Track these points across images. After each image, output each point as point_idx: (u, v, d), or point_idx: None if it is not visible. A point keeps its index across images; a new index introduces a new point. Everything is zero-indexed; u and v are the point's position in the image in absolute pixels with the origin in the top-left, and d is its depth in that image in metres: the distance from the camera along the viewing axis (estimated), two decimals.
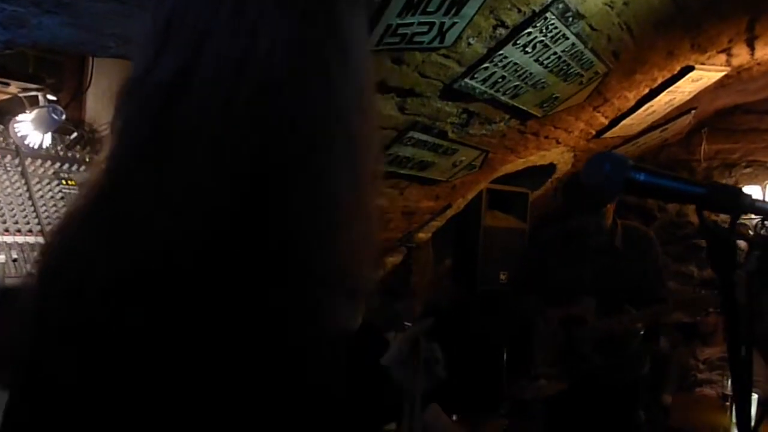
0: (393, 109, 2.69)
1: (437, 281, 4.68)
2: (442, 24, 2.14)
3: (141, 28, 0.67)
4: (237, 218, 0.58)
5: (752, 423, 0.98)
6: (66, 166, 2.23)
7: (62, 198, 2.11)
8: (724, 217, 0.87)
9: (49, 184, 2.14)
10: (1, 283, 1.79)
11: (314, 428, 0.61)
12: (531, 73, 2.80)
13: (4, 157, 2.07)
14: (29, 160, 2.13)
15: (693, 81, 3.92)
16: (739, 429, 0.94)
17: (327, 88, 0.63)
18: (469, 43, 2.38)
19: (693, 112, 4.84)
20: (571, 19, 2.50)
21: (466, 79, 2.61)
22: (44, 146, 2.13)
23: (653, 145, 5.44)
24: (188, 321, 0.54)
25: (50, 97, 2.13)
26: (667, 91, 3.90)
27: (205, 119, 0.59)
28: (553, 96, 3.18)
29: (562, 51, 2.72)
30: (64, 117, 2.11)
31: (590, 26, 2.65)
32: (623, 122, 4.20)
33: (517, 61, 2.63)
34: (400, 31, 2.08)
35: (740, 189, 0.89)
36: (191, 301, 0.55)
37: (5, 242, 1.89)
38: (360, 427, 1.02)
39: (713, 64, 3.81)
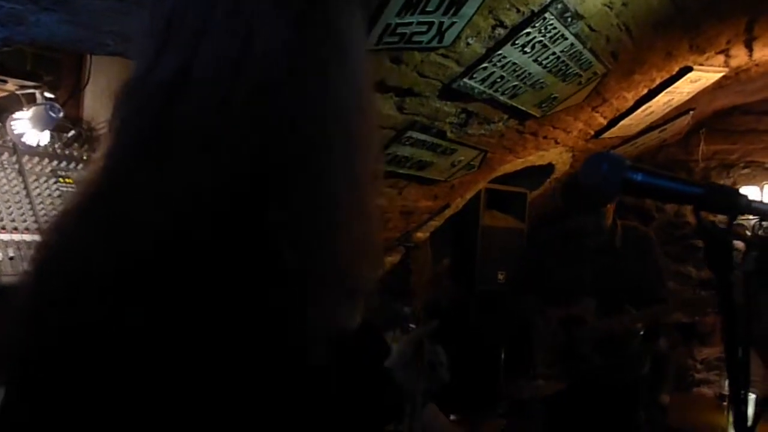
0: (392, 108, 2.69)
1: (435, 281, 4.68)
2: (441, 24, 2.14)
3: (140, 27, 0.67)
4: (234, 217, 0.58)
5: (749, 423, 0.98)
6: (64, 164, 2.23)
7: (60, 196, 2.11)
8: (722, 218, 0.87)
9: (46, 182, 2.13)
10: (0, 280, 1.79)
11: (313, 427, 0.61)
12: (530, 73, 2.80)
13: (1, 154, 2.07)
14: (26, 157, 2.13)
15: (691, 82, 3.92)
16: (736, 429, 0.94)
17: (325, 88, 0.63)
18: (468, 43, 2.38)
19: (691, 112, 4.84)
20: (569, 19, 2.50)
21: (465, 79, 2.61)
22: (42, 144, 2.12)
23: (652, 146, 5.44)
24: (186, 321, 0.54)
25: (48, 94, 2.13)
26: (665, 91, 3.90)
27: (203, 119, 0.59)
28: (552, 96, 3.18)
29: (561, 51, 2.72)
30: (61, 115, 2.11)
31: (589, 27, 2.65)
32: (622, 123, 4.20)
33: (516, 61, 2.63)
34: (399, 30, 2.08)
35: (737, 190, 0.89)
36: (189, 300, 0.54)
37: (2, 240, 1.89)
38: (360, 427, 1.02)
39: (712, 65, 3.81)
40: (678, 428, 3.45)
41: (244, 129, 0.59)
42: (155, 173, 0.59)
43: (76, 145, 2.31)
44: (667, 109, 4.40)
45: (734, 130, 5.41)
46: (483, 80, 2.68)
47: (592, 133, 4.28)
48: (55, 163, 2.20)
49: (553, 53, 2.70)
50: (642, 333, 3.17)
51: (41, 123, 2.06)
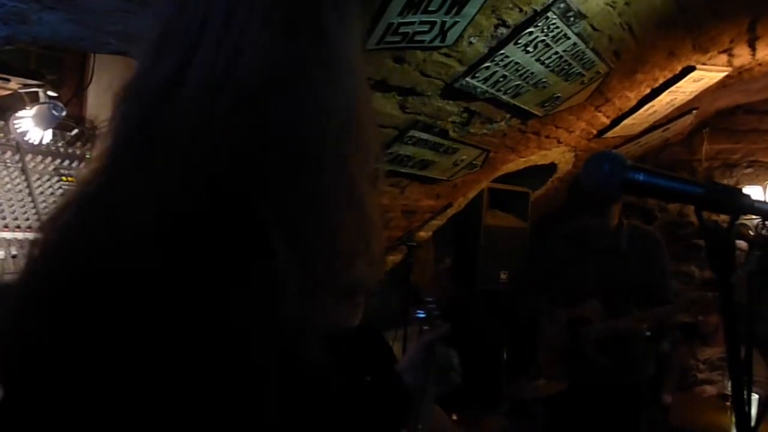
0: (394, 107, 2.69)
1: (437, 280, 4.68)
2: (444, 23, 2.14)
3: (143, 28, 0.69)
4: (222, 217, 0.58)
5: (752, 423, 0.98)
6: (66, 162, 2.23)
7: (62, 194, 2.12)
8: (725, 217, 0.87)
9: (49, 180, 2.14)
10: (0, 279, 1.80)
11: (310, 428, 0.61)
12: (532, 73, 2.80)
13: (4, 153, 2.07)
14: (29, 156, 2.14)
15: (694, 81, 3.91)
16: (738, 429, 0.94)
17: (315, 95, 0.65)
18: (471, 43, 2.38)
19: (694, 112, 4.84)
20: (572, 18, 2.49)
21: (468, 78, 2.61)
22: (45, 143, 2.13)
23: (654, 145, 5.43)
24: (177, 318, 0.55)
25: (51, 93, 2.13)
26: (668, 91, 3.90)
27: (190, 123, 0.61)
28: (555, 95, 3.18)
29: (564, 50, 2.71)
30: (64, 113, 2.11)
31: (592, 26, 2.64)
32: (624, 122, 4.20)
33: (519, 61, 2.63)
34: (402, 29, 2.08)
35: (739, 189, 0.89)
36: (180, 300, 0.55)
37: (5, 238, 1.90)
38: (364, 428, 1.02)
39: (715, 65, 3.80)
40: (679, 428, 3.44)
41: (230, 133, 0.61)
42: (146, 174, 0.60)
43: (78, 143, 2.32)
44: (670, 109, 4.40)
45: (737, 130, 5.40)
46: (485, 79, 2.68)
47: (595, 132, 4.28)
48: (57, 161, 2.21)
49: (556, 53, 2.70)
50: (648, 334, 3.17)
51: (44, 121, 2.07)
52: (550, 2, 2.31)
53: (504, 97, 2.92)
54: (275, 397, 0.57)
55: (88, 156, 2.28)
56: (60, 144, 2.26)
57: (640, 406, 3.21)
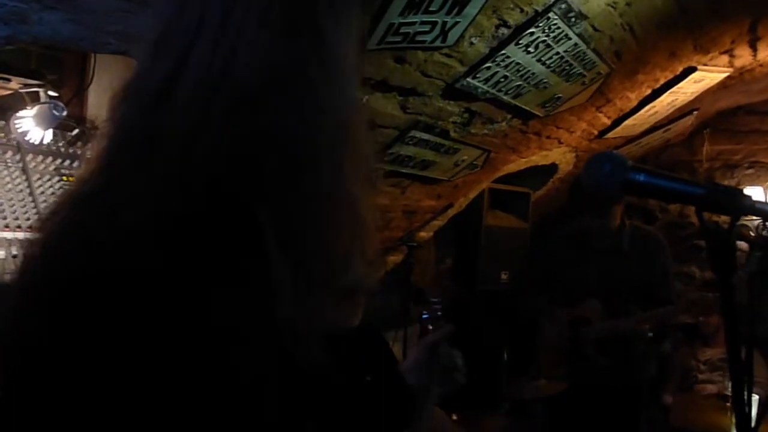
0: (395, 108, 2.69)
1: (438, 280, 4.68)
2: (445, 23, 2.14)
3: (143, 28, 0.69)
4: (216, 218, 0.58)
5: (753, 423, 0.98)
6: (67, 162, 2.23)
7: (61, 193, 2.12)
8: (726, 218, 0.87)
9: (50, 180, 2.14)
10: (1, 278, 1.80)
11: (309, 427, 0.61)
12: (533, 73, 2.80)
13: (5, 153, 2.07)
14: (30, 156, 2.14)
15: (695, 82, 3.91)
16: (738, 430, 0.93)
17: (311, 97, 0.66)
18: (472, 43, 2.38)
19: (695, 113, 4.83)
20: (573, 19, 2.49)
21: (468, 79, 2.61)
22: (45, 142, 2.13)
23: (656, 146, 5.43)
24: (171, 322, 0.55)
25: (51, 93, 2.13)
26: (669, 91, 3.89)
27: (185, 124, 0.61)
28: (556, 96, 3.18)
29: (565, 51, 2.71)
30: (65, 113, 2.11)
31: (593, 27, 2.64)
32: (625, 123, 4.20)
33: (520, 61, 2.63)
34: (402, 30, 2.08)
35: (740, 190, 0.89)
36: (172, 300, 0.55)
37: (5, 238, 1.90)
38: (366, 428, 1.02)
39: (716, 65, 3.80)
40: (680, 428, 3.44)
41: (226, 134, 0.61)
42: (145, 174, 0.60)
43: (79, 143, 2.32)
44: (671, 110, 4.40)
45: (738, 131, 5.39)
46: (486, 80, 2.68)
47: (596, 133, 4.27)
48: (58, 161, 2.21)
49: (557, 53, 2.70)
50: (651, 335, 3.17)
51: (45, 121, 2.06)
52: (551, 3, 2.31)
53: (505, 97, 2.92)
54: (274, 396, 0.57)
55: (88, 156, 2.28)
56: (61, 144, 2.26)
57: (640, 407, 3.21)
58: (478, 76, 2.61)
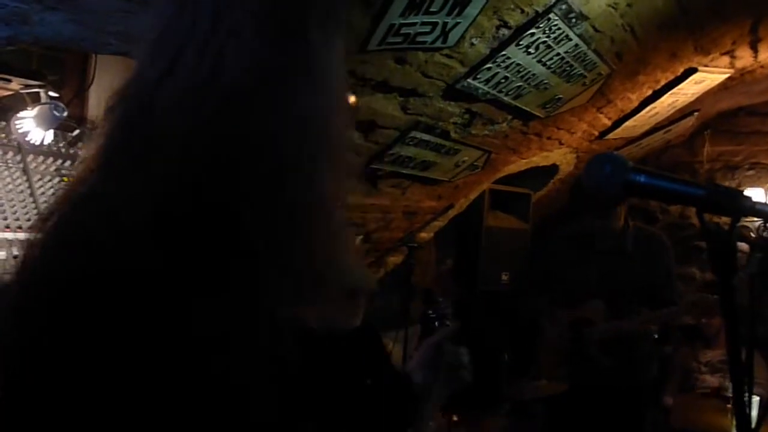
0: (395, 108, 2.69)
1: (439, 281, 4.68)
2: (445, 24, 2.14)
3: (144, 28, 0.69)
4: (204, 218, 0.59)
5: (753, 425, 0.98)
6: (68, 163, 2.23)
7: (60, 193, 2.12)
8: (726, 219, 0.86)
9: (50, 181, 2.14)
10: (1, 279, 1.80)
11: (307, 427, 0.61)
12: (534, 74, 2.80)
13: (5, 153, 2.07)
14: (31, 156, 2.14)
15: (696, 83, 3.91)
16: (738, 431, 0.93)
17: (297, 102, 0.66)
18: (472, 44, 2.38)
19: (696, 114, 4.83)
20: (574, 20, 2.49)
21: (469, 80, 2.61)
22: (46, 143, 2.13)
23: (656, 147, 5.43)
24: (171, 322, 0.55)
25: (52, 93, 2.13)
26: (670, 92, 3.89)
27: (176, 125, 0.62)
28: (556, 97, 3.18)
29: (565, 52, 2.71)
30: (66, 114, 2.11)
31: (593, 27, 2.64)
32: (626, 123, 4.20)
33: (520, 62, 2.63)
34: (403, 30, 2.08)
35: (740, 191, 0.89)
36: (172, 300, 0.55)
37: (6, 239, 1.90)
38: (366, 428, 1.02)
39: (717, 66, 3.80)
40: (681, 429, 3.44)
41: (212, 136, 0.61)
42: (141, 174, 0.61)
43: (80, 144, 2.32)
44: (672, 111, 4.39)
45: (739, 132, 5.39)
46: (487, 81, 2.68)
47: (597, 134, 4.27)
48: (59, 162, 2.21)
49: (558, 54, 2.70)
50: (656, 336, 3.16)
51: (46, 122, 2.06)
52: (551, 3, 2.31)
53: (505, 98, 2.92)
54: (272, 396, 0.57)
55: (86, 155, 2.28)
56: (61, 144, 2.26)
57: (643, 408, 3.21)
58: (478, 76, 2.61)
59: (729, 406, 3.24)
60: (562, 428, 3.18)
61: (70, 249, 0.60)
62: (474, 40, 2.36)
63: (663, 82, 3.78)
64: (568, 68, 2.88)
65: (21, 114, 2.05)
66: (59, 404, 0.56)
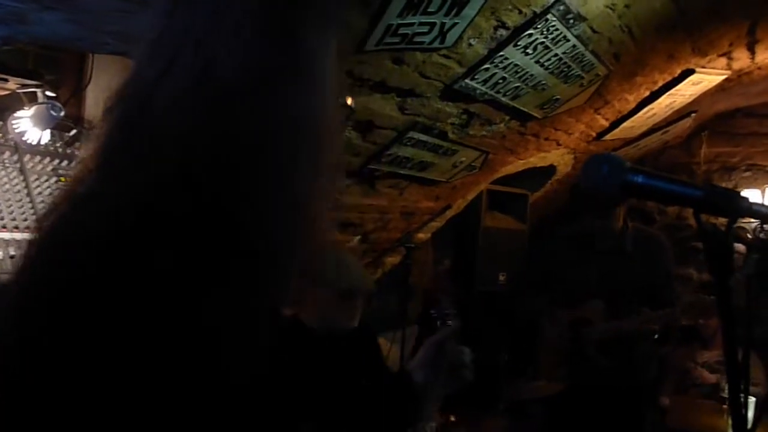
0: (393, 109, 2.69)
1: (436, 281, 4.68)
2: (443, 24, 2.14)
3: (142, 27, 0.69)
4: (198, 217, 0.59)
5: (749, 425, 0.98)
6: (65, 162, 2.23)
7: (58, 193, 2.11)
8: (723, 220, 0.87)
9: (47, 180, 2.14)
10: None
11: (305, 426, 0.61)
12: (531, 75, 2.80)
13: (2, 153, 2.07)
14: (28, 156, 2.13)
15: (693, 84, 3.92)
16: (734, 431, 0.94)
17: (288, 102, 0.66)
18: (470, 44, 2.38)
19: (693, 115, 4.84)
20: (572, 21, 2.50)
21: (467, 80, 2.61)
22: (43, 143, 2.13)
23: (654, 148, 5.44)
24: (172, 322, 0.55)
25: (49, 93, 2.13)
26: (667, 94, 3.90)
27: (170, 124, 0.62)
28: (554, 98, 3.18)
29: (563, 53, 2.71)
30: (63, 114, 2.11)
31: (591, 28, 2.64)
32: (624, 124, 4.20)
33: (518, 63, 2.63)
34: (401, 31, 2.08)
35: (738, 192, 0.89)
36: (173, 300, 0.55)
37: (3, 239, 1.89)
38: (367, 428, 1.02)
39: (714, 68, 3.81)
40: (677, 430, 3.44)
41: (213, 135, 0.62)
42: (141, 174, 0.61)
43: (77, 144, 2.31)
44: (669, 112, 4.40)
45: (736, 133, 5.40)
46: (485, 81, 2.68)
47: (594, 134, 4.28)
48: (56, 162, 2.21)
49: (555, 55, 2.70)
50: (657, 337, 3.17)
51: (42, 122, 2.06)
52: (549, 4, 2.31)
53: (503, 98, 2.93)
54: (271, 396, 0.57)
55: (85, 155, 2.28)
56: (58, 144, 2.25)
57: (643, 409, 3.21)
58: (476, 77, 2.61)
59: (725, 406, 3.24)
60: (561, 429, 3.19)
61: (69, 249, 0.60)
62: (472, 41, 2.36)
63: (660, 84, 3.79)
64: (565, 69, 2.88)
65: (18, 114, 2.05)
66: (59, 404, 0.56)
